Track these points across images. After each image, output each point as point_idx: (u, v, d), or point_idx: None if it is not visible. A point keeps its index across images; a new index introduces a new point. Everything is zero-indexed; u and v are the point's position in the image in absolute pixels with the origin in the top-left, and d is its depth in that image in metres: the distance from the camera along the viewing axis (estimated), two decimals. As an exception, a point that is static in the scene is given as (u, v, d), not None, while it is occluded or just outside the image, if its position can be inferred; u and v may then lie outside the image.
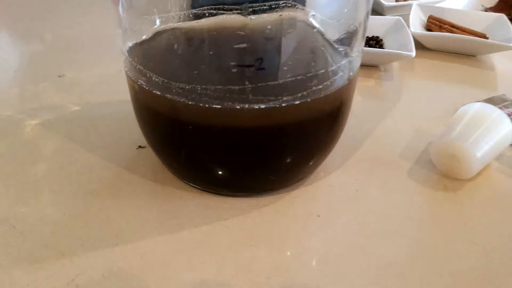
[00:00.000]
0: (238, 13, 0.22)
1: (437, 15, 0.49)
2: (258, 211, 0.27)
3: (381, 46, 0.45)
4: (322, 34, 0.25)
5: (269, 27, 0.24)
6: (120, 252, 0.24)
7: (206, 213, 0.27)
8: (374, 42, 0.45)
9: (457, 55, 0.46)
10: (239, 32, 0.23)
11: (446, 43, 0.45)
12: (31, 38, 0.50)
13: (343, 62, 0.25)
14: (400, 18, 0.46)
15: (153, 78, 0.23)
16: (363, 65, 0.41)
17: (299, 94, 0.22)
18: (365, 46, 0.44)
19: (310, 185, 0.29)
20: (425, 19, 0.50)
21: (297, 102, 0.22)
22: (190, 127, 0.24)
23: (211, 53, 0.23)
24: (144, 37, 0.26)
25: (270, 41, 0.23)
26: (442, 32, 0.47)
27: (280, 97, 0.22)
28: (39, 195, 0.28)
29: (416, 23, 0.48)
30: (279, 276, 0.23)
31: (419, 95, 0.40)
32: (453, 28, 0.46)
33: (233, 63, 0.22)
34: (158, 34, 0.26)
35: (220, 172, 0.26)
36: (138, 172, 0.30)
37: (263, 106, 0.22)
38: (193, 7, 0.25)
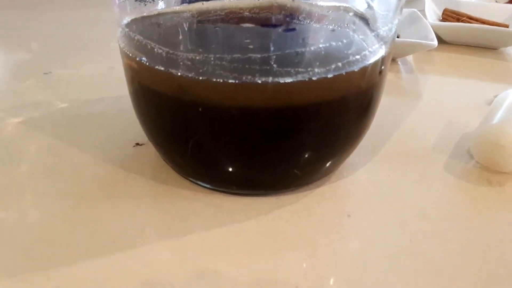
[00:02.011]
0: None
1: (453, 7, 0.46)
2: (278, 211, 0.23)
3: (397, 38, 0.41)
4: (356, 14, 0.22)
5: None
6: (118, 261, 0.20)
7: (218, 214, 0.23)
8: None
9: (477, 48, 0.43)
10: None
11: (466, 35, 0.42)
12: (16, 38, 0.47)
13: (378, 48, 0.21)
14: (416, 9, 0.43)
15: (155, 50, 0.19)
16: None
17: (333, 65, 0.18)
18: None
19: (335, 182, 0.25)
20: (439, 12, 0.47)
21: (330, 76, 0.18)
22: (200, 110, 0.20)
23: (226, 12, 0.19)
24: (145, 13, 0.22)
25: (297, 13, 0.20)
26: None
27: (311, 68, 0.18)
28: (21, 198, 0.24)
29: (431, 16, 0.45)
30: (311, 285, 0.19)
31: (442, 88, 0.37)
32: (471, 20, 0.44)
33: (255, 24, 0.18)
34: (161, 12, 0.23)
35: (234, 166, 0.22)
36: (136, 171, 0.26)
37: (289, 80, 0.18)
38: None
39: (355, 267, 0.20)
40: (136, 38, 0.20)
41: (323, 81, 0.18)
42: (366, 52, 0.20)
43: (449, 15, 0.45)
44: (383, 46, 0.21)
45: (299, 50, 0.18)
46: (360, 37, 0.22)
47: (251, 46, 0.18)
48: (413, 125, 0.31)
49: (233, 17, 0.21)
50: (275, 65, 0.18)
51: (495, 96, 0.34)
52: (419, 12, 0.43)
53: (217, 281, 0.19)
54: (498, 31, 0.41)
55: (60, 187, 0.24)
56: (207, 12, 0.22)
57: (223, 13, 0.22)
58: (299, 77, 0.18)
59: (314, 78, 0.18)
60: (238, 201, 0.23)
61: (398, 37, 0.42)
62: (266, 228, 0.22)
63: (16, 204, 0.23)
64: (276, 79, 0.18)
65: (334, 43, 0.19)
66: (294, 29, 0.18)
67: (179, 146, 0.23)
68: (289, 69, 0.18)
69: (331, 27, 0.20)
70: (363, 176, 0.26)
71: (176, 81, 0.19)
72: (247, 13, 0.20)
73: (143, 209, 0.23)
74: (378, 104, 0.25)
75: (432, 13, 0.46)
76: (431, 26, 0.41)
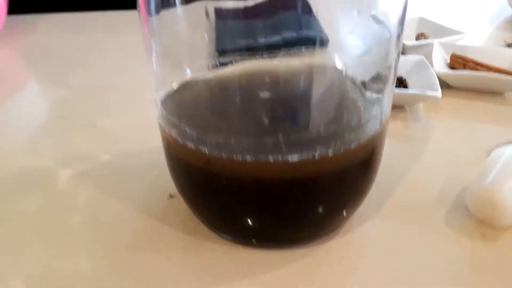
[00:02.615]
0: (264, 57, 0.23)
1: (460, 53, 0.49)
2: (292, 265, 0.26)
3: (405, 86, 0.45)
4: (352, 80, 0.26)
5: (299, 77, 0.24)
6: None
7: (240, 267, 0.26)
8: (398, 82, 0.45)
9: (482, 93, 0.46)
10: (269, 82, 0.24)
11: (472, 82, 0.45)
12: (60, 86, 0.52)
13: (375, 109, 0.25)
14: (423, 57, 0.46)
15: (187, 131, 0.23)
16: (389, 107, 0.41)
17: (333, 145, 0.22)
18: (390, 87, 0.44)
19: (344, 235, 0.28)
20: (447, 57, 0.50)
21: (331, 153, 0.22)
22: (223, 180, 0.24)
23: (243, 105, 0.23)
24: (175, 87, 0.27)
25: (302, 93, 0.24)
26: (466, 69, 0.47)
27: (314, 149, 0.22)
28: (74, 248, 0.28)
29: (439, 62, 0.48)
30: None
31: (447, 136, 0.40)
32: (477, 65, 0.46)
33: (266, 117, 0.22)
34: (189, 84, 0.27)
35: (253, 224, 0.26)
36: (169, 223, 0.30)
37: (296, 159, 0.22)
38: (217, 50, 0.25)
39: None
40: (171, 119, 0.24)
41: (326, 157, 0.22)
42: (364, 123, 0.24)
43: (456, 60, 0.48)
44: (379, 105, 0.25)
45: (304, 136, 0.22)
46: (358, 103, 0.25)
47: (264, 131, 0.22)
48: (417, 176, 0.34)
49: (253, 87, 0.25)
50: (283, 147, 0.22)
51: (496, 146, 0.37)
52: (425, 60, 0.46)
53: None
54: (502, 79, 0.43)
55: (106, 237, 0.29)
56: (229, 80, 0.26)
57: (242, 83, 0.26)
58: (304, 156, 0.22)
59: (317, 157, 0.22)
60: (256, 254, 0.27)
61: (406, 85, 0.45)
62: (280, 280, 0.25)
63: (71, 254, 0.28)
64: (285, 158, 0.22)
65: (335, 127, 0.22)
66: (297, 122, 0.22)
67: (206, 206, 0.27)
68: (295, 149, 0.22)
69: (330, 107, 0.23)
70: (369, 230, 0.29)
71: (204, 157, 0.23)
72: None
73: (176, 260, 0.27)
74: (380, 160, 0.28)
75: (440, 58, 0.49)
76: (439, 74, 0.44)
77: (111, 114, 0.45)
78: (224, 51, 0.25)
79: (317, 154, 0.22)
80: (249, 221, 0.26)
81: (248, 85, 0.24)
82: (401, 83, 0.45)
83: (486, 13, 0.76)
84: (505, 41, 0.57)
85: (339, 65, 0.25)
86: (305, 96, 0.24)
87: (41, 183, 0.34)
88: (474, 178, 0.31)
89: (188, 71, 0.27)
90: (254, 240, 0.27)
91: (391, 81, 0.25)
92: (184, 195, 0.28)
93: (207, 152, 0.23)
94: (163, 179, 0.33)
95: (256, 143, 0.22)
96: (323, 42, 0.23)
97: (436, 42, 0.51)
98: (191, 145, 0.23)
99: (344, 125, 0.23)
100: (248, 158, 0.22)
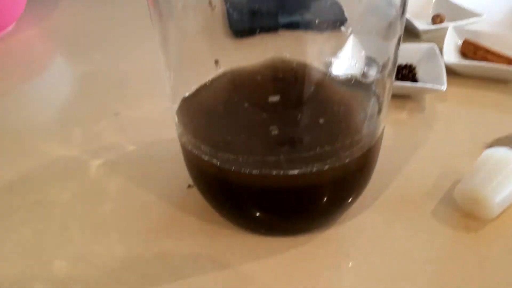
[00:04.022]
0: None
1: (472, 38, 0.49)
2: (294, 250, 0.31)
3: (414, 75, 0.46)
4: (350, 92, 0.28)
5: (306, 94, 0.27)
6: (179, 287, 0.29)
7: (250, 251, 0.30)
8: (407, 71, 0.46)
9: (490, 80, 0.47)
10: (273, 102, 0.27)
11: (479, 71, 0.46)
12: (89, 69, 0.55)
13: (372, 125, 0.27)
14: (434, 45, 0.47)
15: (201, 147, 0.27)
16: (395, 96, 0.43)
17: (328, 161, 0.25)
18: (398, 76, 0.45)
19: (341, 224, 0.32)
20: (460, 41, 0.50)
21: (327, 168, 0.25)
22: (233, 186, 0.28)
23: (251, 124, 0.27)
24: (188, 99, 0.30)
25: (301, 115, 0.27)
26: (477, 57, 0.47)
27: (311, 165, 0.25)
28: (108, 234, 0.33)
29: (450, 48, 0.49)
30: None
31: (449, 128, 0.42)
32: (487, 53, 0.47)
33: (270, 140, 0.25)
34: (200, 97, 0.30)
35: (260, 221, 0.30)
36: (188, 211, 0.34)
37: (296, 172, 0.25)
38: (230, 25, 0.27)
39: (346, 300, 0.28)
40: (188, 136, 0.28)
41: (322, 171, 0.25)
42: (360, 143, 0.27)
43: (467, 47, 0.48)
44: (379, 128, 0.27)
45: (303, 154, 0.25)
46: (356, 121, 0.28)
47: (267, 151, 0.26)
48: (414, 168, 0.37)
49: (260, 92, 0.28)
50: (284, 164, 0.25)
51: (494, 140, 0.39)
52: (436, 49, 0.47)
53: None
54: (509, 70, 0.44)
55: (136, 224, 0.33)
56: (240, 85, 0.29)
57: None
58: (303, 170, 0.25)
59: (314, 171, 0.25)
60: (265, 241, 0.31)
61: (415, 74, 0.46)
62: (283, 263, 0.30)
63: (106, 239, 0.32)
64: (286, 172, 0.25)
65: (330, 147, 0.25)
66: (296, 146, 0.25)
67: (219, 203, 0.31)
68: (295, 165, 0.25)
69: (327, 128, 0.26)
70: (364, 220, 0.33)
71: (216, 167, 0.27)
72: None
73: (195, 245, 0.31)
74: (376, 164, 0.31)
75: (452, 44, 0.50)
76: (448, 63, 0.46)
77: (133, 103, 0.48)
78: (238, 31, 0.26)
79: (314, 168, 0.25)
80: (257, 217, 0.30)
81: (255, 104, 0.27)
82: (410, 71, 0.46)
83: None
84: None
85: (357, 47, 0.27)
86: (305, 122, 0.26)
87: (73, 173, 0.39)
88: (466, 172, 0.34)
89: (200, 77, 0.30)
90: (263, 230, 0.31)
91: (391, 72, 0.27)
92: (200, 190, 0.32)
93: (218, 164, 0.26)
94: (183, 169, 0.35)
95: (261, 160, 0.25)
96: (342, 22, 0.26)
97: (450, 26, 0.51)
98: (204, 156, 0.27)
99: (340, 146, 0.26)
100: (254, 172, 0.25)
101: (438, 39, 0.50)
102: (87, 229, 0.33)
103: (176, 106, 0.29)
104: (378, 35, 0.26)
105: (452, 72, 0.46)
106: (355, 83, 0.28)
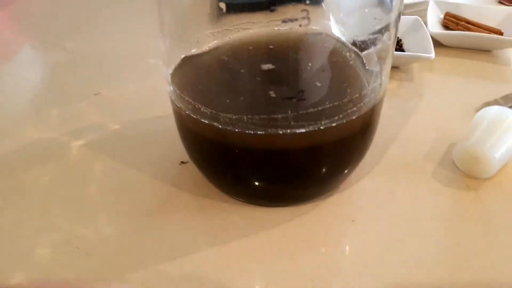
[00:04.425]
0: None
1: (453, 11, 0.50)
2: (298, 219, 0.29)
3: (400, 47, 0.46)
4: (355, 51, 0.27)
5: (304, 50, 0.26)
6: (179, 266, 0.27)
7: (252, 224, 0.29)
8: (392, 43, 0.46)
9: (473, 50, 0.47)
10: (276, 56, 0.25)
11: (463, 41, 0.47)
12: (59, 50, 0.52)
13: (376, 81, 0.27)
14: (418, 18, 0.47)
15: (201, 109, 0.25)
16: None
17: (336, 117, 0.24)
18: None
19: (343, 191, 0.31)
20: (442, 16, 0.51)
21: (334, 124, 0.24)
22: (236, 151, 0.26)
23: (252, 81, 0.25)
24: (185, 62, 0.28)
25: (307, 68, 0.25)
26: (459, 28, 0.48)
27: (319, 122, 0.24)
28: (95, 216, 0.30)
29: (433, 20, 0.49)
30: (323, 279, 0.26)
31: (439, 95, 0.42)
32: (469, 24, 0.48)
33: (276, 96, 0.24)
34: (197, 58, 0.28)
35: (263, 189, 0.29)
36: (183, 187, 0.32)
37: (303, 131, 0.24)
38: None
39: (356, 263, 0.27)
40: (186, 99, 0.26)
41: (330, 128, 0.24)
42: (367, 99, 0.26)
43: (449, 20, 0.49)
44: (381, 77, 0.27)
45: (309, 111, 0.24)
46: (361, 77, 0.27)
47: (274, 108, 0.24)
48: (410, 134, 0.37)
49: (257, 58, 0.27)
50: (292, 122, 0.24)
51: (484, 104, 0.39)
52: (421, 21, 0.47)
53: (254, 277, 0.26)
54: (490, 38, 0.45)
55: (126, 204, 0.31)
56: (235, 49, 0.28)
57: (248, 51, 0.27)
58: (311, 128, 0.24)
59: (322, 128, 0.24)
60: (267, 212, 0.30)
61: (401, 45, 0.46)
62: (288, 234, 0.29)
63: (93, 222, 0.30)
64: (293, 130, 0.24)
65: (338, 102, 0.24)
66: (304, 99, 0.24)
67: (219, 173, 0.29)
68: (302, 123, 0.24)
69: (334, 83, 0.25)
70: (366, 185, 0.32)
71: (217, 131, 0.25)
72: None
73: (193, 221, 0.30)
74: (378, 123, 0.30)
75: (434, 17, 0.50)
76: (432, 34, 0.46)
77: (115, 82, 0.46)
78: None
79: (322, 125, 0.24)
80: (260, 186, 0.29)
81: (255, 59, 0.25)
82: (396, 43, 0.46)
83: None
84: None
85: (334, 25, 0.27)
86: (311, 76, 0.25)
87: (53, 155, 0.36)
88: (461, 134, 0.34)
89: (196, 40, 0.28)
90: (264, 201, 0.30)
91: (391, 49, 0.27)
92: (196, 163, 0.31)
93: (220, 127, 0.25)
94: (174, 145, 0.34)
95: (267, 118, 0.24)
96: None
97: (431, 1, 0.52)
98: (204, 120, 0.25)
99: (347, 100, 0.25)
100: (260, 131, 0.24)
101: (420, 13, 0.51)
102: (70, 213, 0.31)
103: (170, 70, 0.27)
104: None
105: (436, 43, 0.47)
106: (359, 46, 0.27)
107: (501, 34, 0.47)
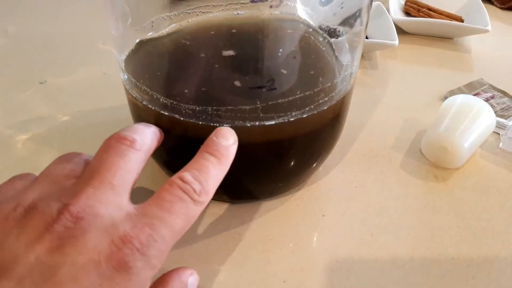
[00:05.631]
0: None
1: (414, -3, 0.50)
2: (266, 216, 0.28)
3: (363, 34, 0.45)
4: (325, 38, 0.26)
5: (271, 36, 0.24)
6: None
7: (218, 222, 0.27)
8: (356, 29, 0.45)
9: (435, 38, 0.48)
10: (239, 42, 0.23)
11: (425, 28, 0.46)
12: (3, 36, 0.47)
13: (348, 70, 0.25)
14: (380, 3, 0.47)
15: (160, 100, 0.23)
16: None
17: (307, 108, 0.23)
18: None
19: (312, 185, 0.30)
20: (403, 2, 0.51)
21: (305, 116, 0.23)
22: (199, 144, 0.24)
23: (220, 72, 0.23)
24: (139, 48, 0.26)
25: (278, 55, 0.24)
26: (420, 15, 0.48)
27: (289, 113, 0.22)
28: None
29: (395, 7, 0.49)
30: (294, 278, 0.25)
31: (403, 82, 0.42)
32: (430, 11, 0.48)
33: (243, 85, 0.22)
34: (153, 44, 0.26)
35: (228, 184, 0.27)
36: (143, 183, 0.30)
37: (272, 122, 0.22)
38: None
39: (328, 260, 0.26)
40: (142, 88, 0.23)
41: (300, 120, 0.23)
42: (338, 88, 0.24)
43: (411, 6, 0.49)
44: (353, 67, 0.25)
45: (279, 101, 0.22)
46: (332, 66, 0.26)
47: (241, 98, 0.22)
48: (377, 123, 0.36)
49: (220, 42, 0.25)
50: (261, 113, 0.22)
51: (448, 92, 0.39)
52: (383, 7, 0.46)
53: (222, 278, 0.24)
54: (452, 25, 0.45)
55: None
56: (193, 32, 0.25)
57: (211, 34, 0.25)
58: (280, 120, 0.22)
59: (292, 119, 0.23)
60: (233, 209, 0.28)
61: (364, 32, 0.46)
62: (257, 231, 0.27)
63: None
64: (262, 123, 0.22)
65: (309, 92, 0.23)
66: (275, 89, 0.22)
67: (180, 165, 0.27)
68: (272, 114, 0.22)
69: (305, 72, 0.24)
70: (334, 178, 0.31)
71: (178, 123, 0.23)
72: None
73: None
74: (348, 112, 0.29)
75: (396, 4, 0.50)
76: (395, 20, 0.45)
77: (62, 69, 0.42)
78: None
79: (292, 116, 0.22)
80: (224, 181, 0.27)
81: (220, 45, 0.23)
82: (359, 30, 0.45)
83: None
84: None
85: (303, 9, 0.25)
86: (280, 64, 0.24)
87: (-2, 149, 0.33)
88: (428, 123, 0.34)
89: (151, 24, 0.26)
90: (231, 198, 0.28)
91: (363, 36, 0.25)
92: (155, 157, 0.28)
93: (182, 119, 0.23)
94: None
95: (234, 109, 0.22)
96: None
97: (392, -13, 0.51)
98: (164, 112, 0.23)
99: (318, 90, 0.23)
100: (226, 124, 0.22)
101: (381, 0, 0.50)
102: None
103: (124, 56, 0.24)
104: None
105: (398, 30, 0.46)
106: (330, 33, 0.26)
107: (462, 21, 0.48)
